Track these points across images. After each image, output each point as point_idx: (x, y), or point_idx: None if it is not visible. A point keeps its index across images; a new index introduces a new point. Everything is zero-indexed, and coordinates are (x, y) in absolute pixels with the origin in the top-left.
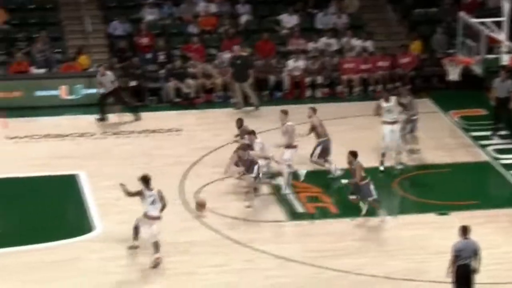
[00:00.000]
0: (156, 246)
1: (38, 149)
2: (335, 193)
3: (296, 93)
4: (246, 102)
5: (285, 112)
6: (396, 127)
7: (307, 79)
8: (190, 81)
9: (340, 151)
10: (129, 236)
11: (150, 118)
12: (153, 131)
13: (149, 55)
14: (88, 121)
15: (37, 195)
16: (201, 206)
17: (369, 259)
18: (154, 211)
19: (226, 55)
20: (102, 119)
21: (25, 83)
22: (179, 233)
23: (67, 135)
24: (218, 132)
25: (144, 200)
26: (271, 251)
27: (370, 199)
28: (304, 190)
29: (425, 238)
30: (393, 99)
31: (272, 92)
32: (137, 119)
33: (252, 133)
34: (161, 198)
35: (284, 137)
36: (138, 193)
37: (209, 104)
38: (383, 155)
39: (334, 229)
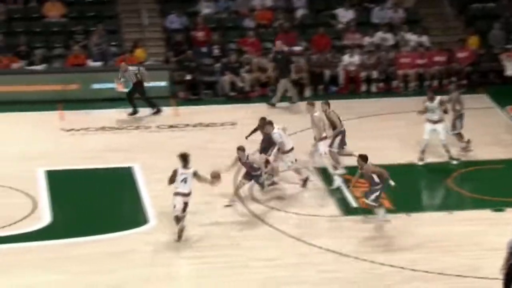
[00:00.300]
0: (177, 219)
1: (93, 142)
2: (390, 189)
3: (351, 87)
4: (284, 96)
5: (311, 104)
6: (439, 126)
7: (363, 74)
8: (245, 75)
9: (394, 146)
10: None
11: (205, 112)
12: (208, 125)
13: (204, 49)
14: (143, 114)
15: (93, 187)
16: (215, 177)
17: (422, 255)
18: (184, 189)
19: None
20: (134, 113)
21: (82, 76)
22: (232, 227)
23: (122, 128)
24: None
25: (176, 178)
26: (325, 245)
27: (376, 203)
28: (359, 185)
29: (480, 235)
30: (437, 98)
31: (327, 86)
32: (157, 112)
33: (269, 123)
34: (198, 178)
35: (313, 129)
36: (173, 173)
37: (264, 98)
38: (422, 152)
39: (388, 224)
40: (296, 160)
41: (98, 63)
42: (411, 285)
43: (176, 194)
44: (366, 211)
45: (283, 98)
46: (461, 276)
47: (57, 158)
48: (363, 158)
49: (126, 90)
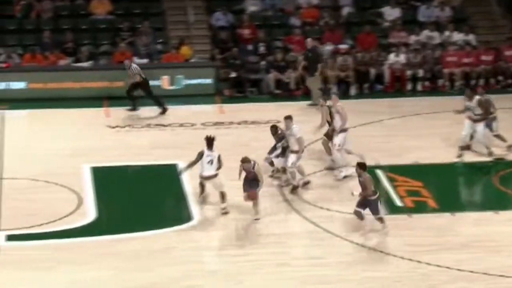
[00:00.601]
0: (223, 196)
1: (139, 139)
2: (435, 188)
3: (396, 86)
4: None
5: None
6: (479, 125)
7: (408, 72)
8: (290, 73)
9: (438, 146)
10: (225, 226)
11: (250, 110)
12: (252, 122)
13: (250, 47)
14: (189, 111)
15: (137, 184)
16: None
17: (468, 254)
18: (209, 171)
19: (328, 47)
20: (133, 109)
21: (127, 73)
22: (276, 224)
23: (167, 125)
24: (317, 125)
25: (201, 160)
26: (369, 244)
27: (376, 216)
28: (403, 184)
29: None
30: (475, 98)
31: (373, 85)
32: (163, 112)
33: (288, 117)
34: (219, 161)
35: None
36: (199, 155)
37: (309, 96)
38: (462, 148)
39: (433, 223)
40: (297, 166)
41: (144, 61)
42: (456, 285)
43: (205, 177)
44: (411, 210)
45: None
46: (505, 276)
47: (102, 155)
48: (362, 166)
49: (172, 87)
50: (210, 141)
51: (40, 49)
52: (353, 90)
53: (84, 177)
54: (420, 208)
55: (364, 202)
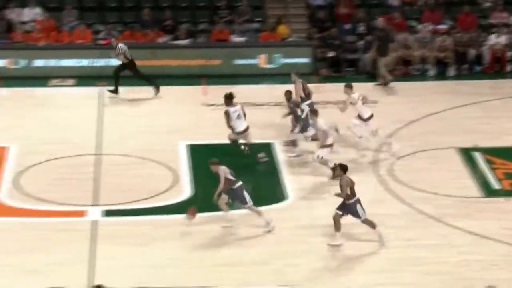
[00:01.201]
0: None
1: None
2: None
3: (496, 67)
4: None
5: (349, 87)
6: None
7: (509, 54)
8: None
9: None
10: (320, 205)
11: None
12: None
13: (348, 26)
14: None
15: (233, 163)
16: (191, 214)
17: None
18: (242, 125)
19: (427, 27)
20: (114, 91)
21: (225, 52)
22: (371, 205)
23: (263, 104)
24: (414, 105)
25: (230, 118)
26: (465, 227)
27: (358, 220)
28: (501, 167)
29: None
30: None
31: (472, 66)
32: (157, 92)
33: (349, 86)
34: (244, 112)
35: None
36: (226, 115)
37: (407, 76)
38: None
39: None
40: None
41: (241, 39)
42: None
43: (241, 132)
44: (508, 193)
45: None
46: None
47: (198, 132)
48: (342, 168)
49: (270, 66)
50: (230, 98)
51: (139, 27)
52: (451, 71)
53: (180, 154)
54: None
55: (343, 206)
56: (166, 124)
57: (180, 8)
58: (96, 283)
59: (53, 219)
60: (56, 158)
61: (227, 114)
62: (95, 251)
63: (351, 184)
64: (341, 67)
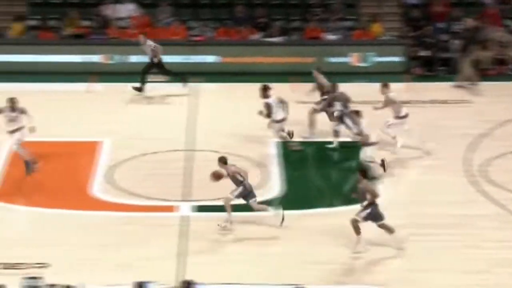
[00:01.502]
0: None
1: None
2: None
3: None
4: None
5: (386, 86)
6: None
7: None
8: (484, 52)
9: None
10: (406, 206)
11: (440, 89)
12: (443, 102)
13: (442, 25)
14: (377, 89)
15: (322, 161)
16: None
17: None
18: (280, 114)
19: None
20: (139, 89)
21: (318, 49)
22: (464, 206)
23: (355, 102)
24: (508, 106)
25: (271, 108)
26: None
27: (378, 223)
28: None
29: None
30: None
31: None
32: (186, 85)
33: (386, 85)
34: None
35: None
36: (268, 107)
37: (502, 76)
38: None
39: None
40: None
41: (334, 37)
42: None
43: (283, 120)
44: None
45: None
46: None
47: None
48: (363, 173)
49: (362, 64)
50: (266, 89)
51: (233, 23)
52: None
53: (270, 151)
54: None
55: (363, 211)
56: (257, 121)
57: (273, 6)
58: (186, 278)
59: (144, 214)
60: (148, 153)
61: (267, 105)
62: (186, 246)
63: (371, 189)
64: (434, 66)
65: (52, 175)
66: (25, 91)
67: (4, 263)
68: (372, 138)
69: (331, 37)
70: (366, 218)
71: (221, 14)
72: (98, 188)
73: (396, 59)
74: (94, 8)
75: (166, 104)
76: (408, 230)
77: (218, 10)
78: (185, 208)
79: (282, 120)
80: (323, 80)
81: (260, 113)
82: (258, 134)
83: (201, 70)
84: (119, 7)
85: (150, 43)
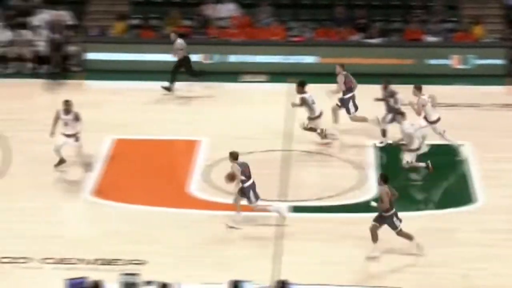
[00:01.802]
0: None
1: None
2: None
3: None
4: None
5: (418, 88)
6: None
7: None
8: None
9: None
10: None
11: None
12: None
13: None
14: (478, 91)
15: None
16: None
17: None
18: (317, 110)
19: None
20: (168, 88)
21: (418, 51)
22: None
23: (454, 105)
24: None
25: (307, 103)
26: None
27: (395, 231)
28: None
29: None
30: None
31: None
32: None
33: (419, 88)
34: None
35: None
36: (303, 101)
37: None
38: None
39: None
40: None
41: (435, 39)
42: None
43: (318, 116)
44: None
45: None
46: None
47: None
48: (383, 177)
49: (462, 66)
50: (302, 85)
51: (332, 24)
52: None
53: (367, 153)
54: None
55: (380, 217)
56: (355, 123)
57: (373, 7)
58: (281, 278)
59: (241, 213)
60: (244, 153)
61: (304, 100)
62: (281, 246)
63: (391, 196)
64: None
65: (151, 173)
66: (126, 89)
67: (102, 259)
68: (415, 144)
69: (431, 39)
70: (383, 224)
71: (321, 15)
72: (195, 187)
73: (497, 61)
74: (195, 8)
75: (263, 104)
76: (506, 235)
77: (318, 11)
78: (282, 208)
79: (318, 117)
80: (344, 76)
81: (294, 105)
82: (354, 136)
83: (299, 71)
84: (219, 7)
85: (180, 41)
